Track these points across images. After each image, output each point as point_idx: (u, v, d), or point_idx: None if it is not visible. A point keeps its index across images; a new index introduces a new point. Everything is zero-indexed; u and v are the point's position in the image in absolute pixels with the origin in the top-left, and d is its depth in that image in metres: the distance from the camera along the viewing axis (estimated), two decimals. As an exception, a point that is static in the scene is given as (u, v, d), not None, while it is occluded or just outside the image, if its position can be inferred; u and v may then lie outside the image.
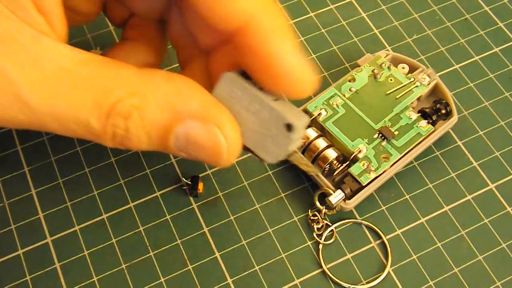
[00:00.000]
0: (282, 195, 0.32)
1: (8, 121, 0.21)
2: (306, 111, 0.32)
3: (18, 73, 0.20)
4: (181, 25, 0.27)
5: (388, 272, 0.30)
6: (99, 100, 0.21)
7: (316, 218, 0.31)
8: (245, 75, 0.23)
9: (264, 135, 0.23)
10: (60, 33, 0.22)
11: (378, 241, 0.31)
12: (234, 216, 0.32)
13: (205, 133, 0.21)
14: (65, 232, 0.31)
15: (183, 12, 0.26)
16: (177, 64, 0.29)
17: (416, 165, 0.33)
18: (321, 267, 0.30)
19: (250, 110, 0.23)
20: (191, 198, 0.32)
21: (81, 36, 0.37)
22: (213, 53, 0.26)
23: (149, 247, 0.31)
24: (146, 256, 0.30)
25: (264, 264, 0.30)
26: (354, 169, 0.30)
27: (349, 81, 0.33)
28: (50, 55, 0.21)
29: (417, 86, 0.33)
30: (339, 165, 0.31)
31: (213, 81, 0.23)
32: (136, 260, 0.30)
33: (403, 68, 0.34)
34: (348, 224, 0.31)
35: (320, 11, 0.39)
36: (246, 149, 0.23)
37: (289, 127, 0.22)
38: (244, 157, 0.33)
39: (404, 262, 0.30)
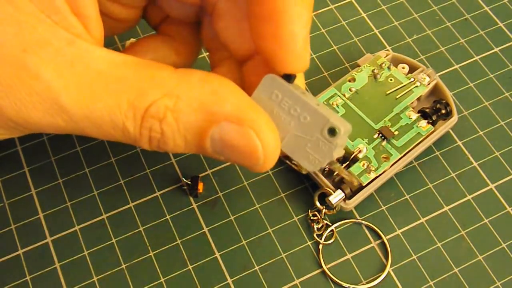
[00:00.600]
0: (282, 195, 0.32)
1: (47, 126, 0.21)
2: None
3: (54, 77, 0.20)
4: (212, 30, 0.27)
5: (388, 272, 0.30)
6: (134, 103, 0.21)
7: (316, 218, 0.31)
8: (288, 78, 0.22)
9: (305, 141, 0.22)
10: (96, 36, 0.22)
11: (378, 241, 0.31)
12: (234, 216, 0.32)
13: (240, 136, 0.21)
14: (65, 232, 0.31)
15: (214, 21, 0.26)
16: None
17: (416, 165, 0.33)
18: (321, 267, 0.30)
19: (291, 113, 0.22)
20: (191, 198, 0.32)
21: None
22: (246, 63, 0.26)
23: (149, 247, 0.31)
24: (146, 256, 0.30)
25: (264, 264, 0.30)
26: (354, 169, 0.30)
27: (349, 81, 0.33)
28: (86, 59, 0.21)
29: (417, 86, 0.33)
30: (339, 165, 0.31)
31: (246, 89, 0.23)
32: (136, 260, 0.30)
33: (403, 68, 0.34)
34: (348, 224, 0.31)
35: (320, 11, 0.39)
36: (284, 157, 0.23)
37: (332, 132, 0.21)
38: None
39: (404, 262, 0.30)
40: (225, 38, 0.26)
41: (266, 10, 0.21)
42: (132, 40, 0.36)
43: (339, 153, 0.22)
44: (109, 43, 0.37)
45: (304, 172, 0.23)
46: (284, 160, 0.23)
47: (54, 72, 0.20)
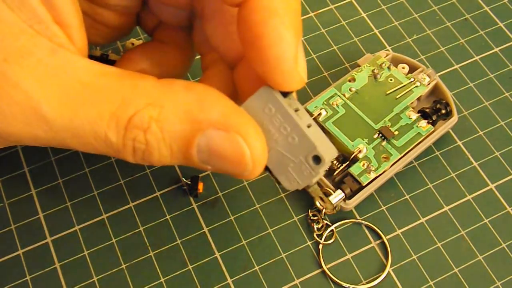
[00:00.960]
0: (282, 195, 0.32)
1: (27, 137, 0.21)
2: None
3: (35, 87, 0.20)
4: (203, 32, 0.27)
5: (388, 272, 0.30)
6: (117, 113, 0.20)
7: (316, 218, 0.31)
8: (284, 93, 0.22)
9: (288, 160, 0.22)
10: (79, 46, 0.22)
11: (378, 241, 0.31)
12: (234, 216, 0.32)
13: (227, 143, 0.20)
14: (65, 232, 0.31)
15: (203, 24, 0.26)
16: None
17: (416, 165, 0.33)
18: (321, 267, 0.30)
19: (280, 130, 0.21)
20: (191, 198, 0.32)
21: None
22: (236, 66, 0.25)
23: (149, 247, 0.31)
24: (146, 256, 0.30)
25: (264, 264, 0.30)
26: (354, 169, 0.30)
27: (349, 81, 0.33)
28: (68, 69, 0.20)
29: (417, 86, 0.33)
30: (339, 165, 0.31)
31: (239, 93, 0.22)
32: (136, 260, 0.30)
33: (403, 68, 0.34)
34: (348, 224, 0.31)
35: (320, 11, 0.39)
36: (265, 168, 0.22)
37: (317, 160, 0.21)
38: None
39: (404, 262, 0.30)
40: (214, 40, 0.25)
41: (250, 34, 0.21)
42: (133, 40, 0.36)
43: (319, 179, 0.22)
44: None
45: (280, 186, 0.23)
46: (263, 171, 0.22)
47: (35, 82, 0.20)
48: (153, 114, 0.20)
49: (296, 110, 0.22)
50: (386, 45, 0.38)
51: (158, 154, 0.21)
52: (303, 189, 0.23)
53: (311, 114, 0.32)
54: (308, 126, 0.21)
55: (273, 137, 0.22)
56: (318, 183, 0.25)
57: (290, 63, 0.21)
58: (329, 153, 0.21)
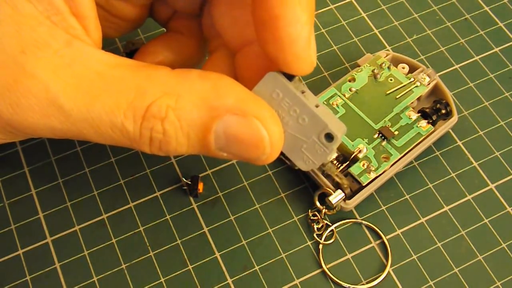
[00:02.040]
0: (282, 195, 0.32)
1: (44, 129, 0.21)
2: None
3: (52, 78, 0.20)
4: (210, 17, 0.27)
5: (388, 272, 0.30)
6: (134, 103, 0.20)
7: (316, 218, 0.31)
8: (289, 76, 0.22)
9: (301, 141, 0.22)
10: (95, 37, 0.22)
11: (378, 241, 0.31)
12: (234, 216, 0.32)
13: (245, 127, 0.21)
14: (65, 232, 0.31)
15: (210, 8, 0.26)
16: None
17: (416, 165, 0.33)
18: (321, 267, 0.30)
19: (290, 113, 0.22)
20: (191, 198, 0.32)
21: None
22: (237, 54, 0.25)
23: (149, 247, 0.31)
24: (146, 256, 0.30)
25: (264, 264, 0.30)
26: (354, 169, 0.30)
27: (349, 81, 0.33)
28: (84, 60, 0.21)
29: (417, 86, 0.33)
30: (339, 165, 0.31)
31: (239, 80, 0.23)
32: (136, 260, 0.30)
33: (403, 68, 0.34)
34: (348, 224, 0.31)
35: (320, 11, 0.39)
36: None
37: (329, 137, 0.21)
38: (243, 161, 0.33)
39: (404, 262, 0.30)
40: (219, 25, 0.26)
41: (266, 14, 0.21)
42: (133, 40, 0.36)
43: (333, 156, 0.23)
44: (109, 43, 0.37)
45: (295, 168, 0.23)
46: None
47: (52, 73, 0.20)
48: (170, 103, 0.20)
49: (303, 92, 0.22)
50: (386, 45, 0.38)
51: (175, 143, 0.21)
52: (324, 174, 0.23)
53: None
54: (316, 106, 0.22)
55: (283, 120, 0.22)
56: (331, 161, 0.26)
57: (304, 44, 0.21)
58: (339, 129, 0.22)
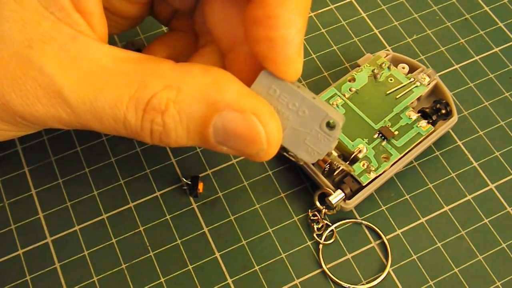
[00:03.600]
0: (282, 195, 0.32)
1: (52, 120, 0.22)
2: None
3: (57, 72, 0.21)
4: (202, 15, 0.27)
5: (388, 272, 0.30)
6: (135, 95, 0.21)
7: (316, 218, 0.31)
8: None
9: (303, 134, 0.22)
10: (100, 32, 0.22)
11: (378, 241, 0.31)
12: (234, 216, 0.32)
13: (243, 123, 0.21)
14: (65, 232, 0.31)
15: (204, 5, 0.26)
16: None
17: (416, 165, 0.33)
18: (321, 267, 0.30)
19: (289, 107, 0.22)
20: (191, 198, 0.32)
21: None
22: (230, 54, 0.25)
23: (149, 247, 0.31)
24: (146, 256, 0.30)
25: (264, 264, 0.30)
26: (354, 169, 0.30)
27: (349, 81, 0.33)
28: (89, 54, 0.21)
29: (417, 86, 0.33)
30: (339, 165, 0.31)
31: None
32: (136, 260, 0.30)
33: (403, 68, 0.34)
34: (348, 224, 0.31)
35: (320, 11, 0.39)
36: (282, 149, 0.23)
37: (330, 125, 0.22)
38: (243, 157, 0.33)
39: (404, 262, 0.30)
40: (210, 23, 0.26)
41: (262, 14, 0.21)
42: (133, 40, 0.36)
43: (336, 144, 0.23)
44: (109, 43, 0.37)
45: (300, 163, 0.24)
46: (281, 152, 0.23)
47: (57, 67, 0.21)
48: (170, 96, 0.21)
49: (298, 87, 0.22)
50: (386, 45, 0.38)
51: (175, 135, 0.22)
52: (325, 173, 0.23)
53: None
54: (313, 98, 0.22)
55: (283, 115, 0.22)
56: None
57: (296, 49, 0.21)
58: (339, 117, 0.22)
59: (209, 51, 0.27)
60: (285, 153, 0.23)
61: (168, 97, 0.21)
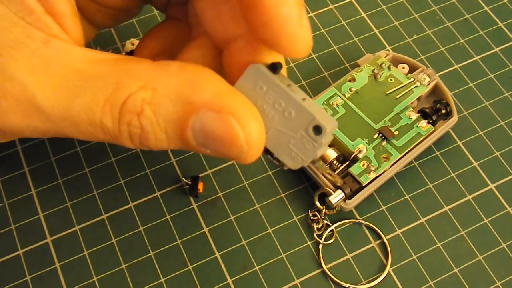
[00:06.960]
0: (282, 195, 0.32)
1: (26, 129, 0.21)
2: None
3: (29, 78, 0.20)
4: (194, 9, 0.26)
5: (388, 272, 0.30)
6: (110, 98, 0.20)
7: (316, 218, 0.31)
8: (273, 69, 0.21)
9: (288, 137, 0.21)
10: (74, 35, 0.22)
11: (378, 241, 0.31)
12: (234, 216, 0.32)
13: (220, 124, 0.20)
14: (65, 232, 0.31)
15: (195, 2, 0.25)
16: None
17: (416, 165, 0.33)
18: (321, 267, 0.30)
19: (275, 107, 0.20)
20: (191, 198, 0.32)
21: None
22: (225, 50, 0.25)
23: (149, 247, 0.31)
24: (146, 256, 0.30)
25: (264, 264, 0.30)
26: (354, 169, 0.30)
27: (349, 81, 0.33)
28: (62, 58, 0.20)
29: (417, 86, 0.33)
30: (339, 165, 0.31)
31: (227, 77, 0.22)
32: (136, 260, 0.30)
33: (403, 68, 0.34)
34: (348, 224, 0.31)
35: (320, 11, 0.39)
36: (266, 151, 0.21)
37: (318, 130, 0.20)
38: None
39: (404, 262, 0.30)
40: (204, 18, 0.25)
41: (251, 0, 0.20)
42: (133, 40, 0.36)
43: (323, 151, 0.21)
44: (109, 43, 0.37)
45: (285, 169, 0.22)
46: (264, 155, 0.22)
47: (29, 74, 0.20)
48: (145, 97, 0.20)
49: (288, 86, 0.21)
50: (386, 45, 0.38)
51: (154, 138, 0.21)
52: (307, 184, 0.23)
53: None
54: (303, 100, 0.20)
55: (268, 115, 0.21)
56: (321, 159, 0.24)
57: (295, 24, 0.20)
58: (329, 123, 0.20)
59: (201, 42, 0.25)
60: (269, 156, 0.21)
61: (143, 98, 0.20)
